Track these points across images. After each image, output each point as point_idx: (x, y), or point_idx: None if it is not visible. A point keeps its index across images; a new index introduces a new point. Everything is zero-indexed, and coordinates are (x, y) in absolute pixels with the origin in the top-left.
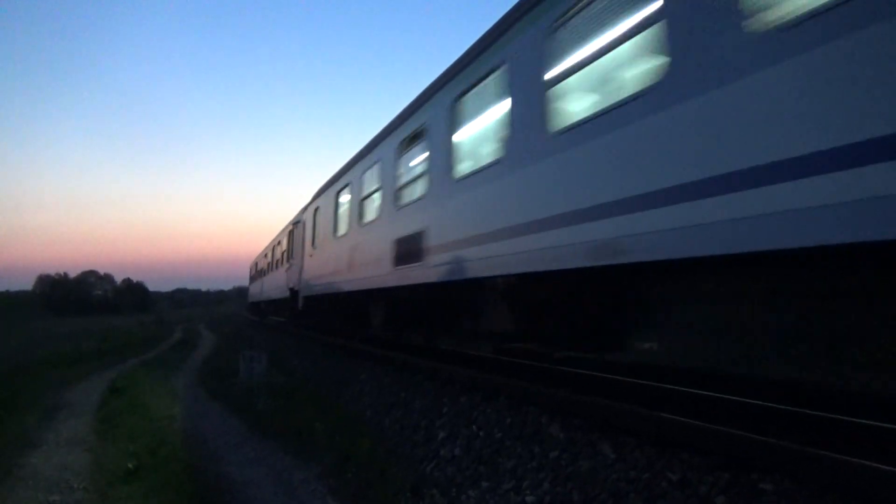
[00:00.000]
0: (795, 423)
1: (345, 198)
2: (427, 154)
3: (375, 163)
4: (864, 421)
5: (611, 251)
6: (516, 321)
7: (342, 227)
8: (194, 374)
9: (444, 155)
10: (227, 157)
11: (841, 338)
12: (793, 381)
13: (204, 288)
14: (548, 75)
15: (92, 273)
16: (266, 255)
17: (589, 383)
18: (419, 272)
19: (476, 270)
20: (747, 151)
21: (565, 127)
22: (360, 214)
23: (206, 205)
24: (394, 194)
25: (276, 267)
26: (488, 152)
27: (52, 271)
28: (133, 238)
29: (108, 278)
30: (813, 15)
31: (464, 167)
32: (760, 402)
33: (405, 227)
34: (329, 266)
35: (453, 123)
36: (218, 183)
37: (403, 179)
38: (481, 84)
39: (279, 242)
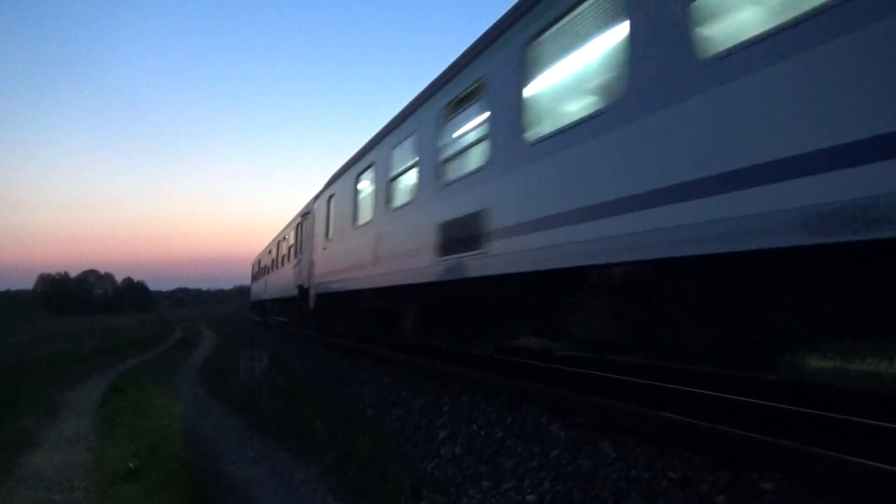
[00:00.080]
0: (795, 423)
1: (367, 181)
2: (488, 114)
3: (409, 135)
4: (864, 421)
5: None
6: (645, 325)
7: (365, 215)
8: (195, 373)
9: (516, 113)
10: (227, 156)
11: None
12: (793, 381)
13: (205, 287)
14: None
15: (92, 272)
16: (270, 252)
17: (589, 382)
18: (477, 263)
19: (576, 256)
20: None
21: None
22: (389, 198)
23: (206, 204)
24: (436, 170)
25: (283, 263)
26: (594, 100)
27: (52, 270)
28: (134, 237)
29: (108, 277)
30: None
31: (554, 124)
32: (761, 402)
33: (453, 209)
34: (347, 259)
35: (531, 70)
36: (218, 182)
37: (450, 151)
38: (578, 9)
39: (285, 237)
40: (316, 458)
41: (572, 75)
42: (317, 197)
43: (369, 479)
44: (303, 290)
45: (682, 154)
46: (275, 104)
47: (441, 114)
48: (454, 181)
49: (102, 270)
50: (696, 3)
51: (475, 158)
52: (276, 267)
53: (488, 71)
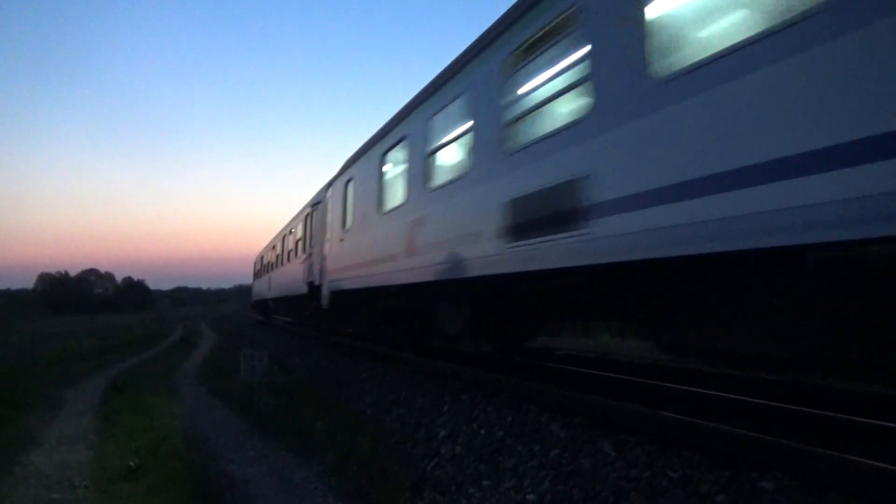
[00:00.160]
0: (796, 422)
1: (398, 158)
2: (588, 49)
3: (458, 96)
4: (864, 420)
5: None
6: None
7: (394, 198)
8: (195, 372)
9: (638, 40)
10: (227, 155)
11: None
12: (792, 381)
13: (205, 286)
14: None
15: (93, 271)
16: (275, 247)
17: (589, 382)
18: (572, 248)
19: (753, 235)
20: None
21: None
22: (428, 175)
23: (206, 203)
24: (500, 133)
25: (289, 259)
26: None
27: (52, 270)
28: (134, 236)
29: (108, 277)
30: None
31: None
32: (761, 401)
33: (529, 180)
34: (371, 251)
35: None
36: (218, 181)
37: (522, 107)
38: None
39: (291, 231)
40: (316, 457)
41: None
42: (330, 183)
43: (370, 478)
44: (314, 288)
45: None
46: (275, 103)
47: (507, 63)
48: (528, 145)
49: (102, 269)
50: None
51: (564, 111)
52: (282, 263)
53: None
